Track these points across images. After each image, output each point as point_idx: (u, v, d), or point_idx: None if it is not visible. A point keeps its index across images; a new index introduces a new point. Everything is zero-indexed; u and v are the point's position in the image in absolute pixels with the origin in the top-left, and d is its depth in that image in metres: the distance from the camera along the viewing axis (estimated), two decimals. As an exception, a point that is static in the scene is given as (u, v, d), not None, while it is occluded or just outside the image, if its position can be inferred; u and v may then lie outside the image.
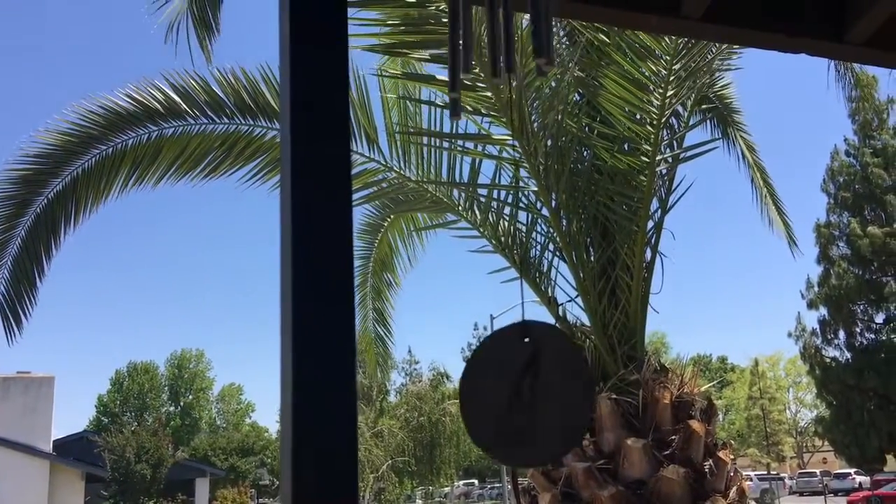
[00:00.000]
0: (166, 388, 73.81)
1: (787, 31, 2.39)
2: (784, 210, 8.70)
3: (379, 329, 9.37)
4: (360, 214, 8.14)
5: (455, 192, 6.75)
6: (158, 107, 5.99)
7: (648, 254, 6.28)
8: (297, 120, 1.04)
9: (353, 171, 6.64)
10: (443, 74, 5.75)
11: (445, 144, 6.55)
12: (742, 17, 2.31)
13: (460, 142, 6.37)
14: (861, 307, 27.68)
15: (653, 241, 6.26)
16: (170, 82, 6.04)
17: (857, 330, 27.83)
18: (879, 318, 27.51)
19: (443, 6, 5.06)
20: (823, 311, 28.30)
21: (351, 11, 5.11)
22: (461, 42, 1.02)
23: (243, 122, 6.18)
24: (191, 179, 6.32)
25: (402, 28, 5.32)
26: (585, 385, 1.56)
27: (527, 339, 1.52)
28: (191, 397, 74.25)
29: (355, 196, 6.87)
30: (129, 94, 6.00)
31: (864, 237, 26.89)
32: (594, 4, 2.21)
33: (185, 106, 6.01)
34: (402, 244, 8.80)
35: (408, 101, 6.43)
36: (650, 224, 6.19)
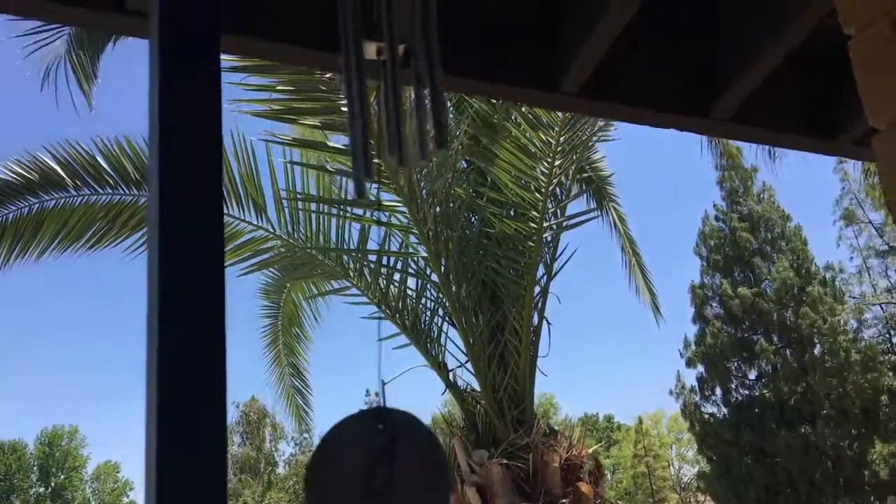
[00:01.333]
0: (35, 468, 69.05)
1: (656, 108, 2.56)
2: (650, 279, 9.11)
3: (296, 382, 9.32)
4: (264, 276, 8.15)
5: (345, 259, 6.76)
6: (39, 178, 5.79)
7: (535, 318, 6.44)
8: (165, 180, 0.98)
9: (242, 239, 6.56)
10: (333, 141, 5.82)
11: (334, 211, 6.58)
12: (614, 94, 2.47)
13: (349, 208, 6.42)
14: (735, 364, 28.93)
15: (539, 305, 6.43)
16: (52, 153, 5.86)
17: (733, 386, 29.02)
18: (752, 375, 28.81)
19: (329, 75, 5.14)
20: (701, 368, 29.41)
21: (240, 77, 5.13)
22: (360, 132, 1.04)
23: (128, 192, 6.04)
24: (75, 251, 6.11)
25: (292, 95, 5.37)
26: (444, 481, 1.51)
27: (381, 426, 1.45)
28: (63, 477, 69.66)
29: (246, 263, 6.78)
30: (8, 166, 5.78)
31: (734, 298, 28.29)
32: (476, 79, 2.32)
33: (67, 177, 5.84)
34: (306, 303, 8.83)
35: (295, 167, 6.45)
36: (537, 289, 6.36)
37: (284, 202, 6.40)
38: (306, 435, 45.30)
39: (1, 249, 6.01)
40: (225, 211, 6.28)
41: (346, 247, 6.53)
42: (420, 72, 1.14)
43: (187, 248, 0.98)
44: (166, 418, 0.91)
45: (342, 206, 6.42)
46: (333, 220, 6.57)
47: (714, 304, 29.03)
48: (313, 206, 6.47)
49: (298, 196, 6.43)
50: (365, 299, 6.74)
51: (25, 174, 5.88)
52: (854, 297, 29.65)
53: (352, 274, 6.74)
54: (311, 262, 6.77)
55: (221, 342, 0.97)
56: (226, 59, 4.48)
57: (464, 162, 6.57)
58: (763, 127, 2.73)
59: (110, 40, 6.01)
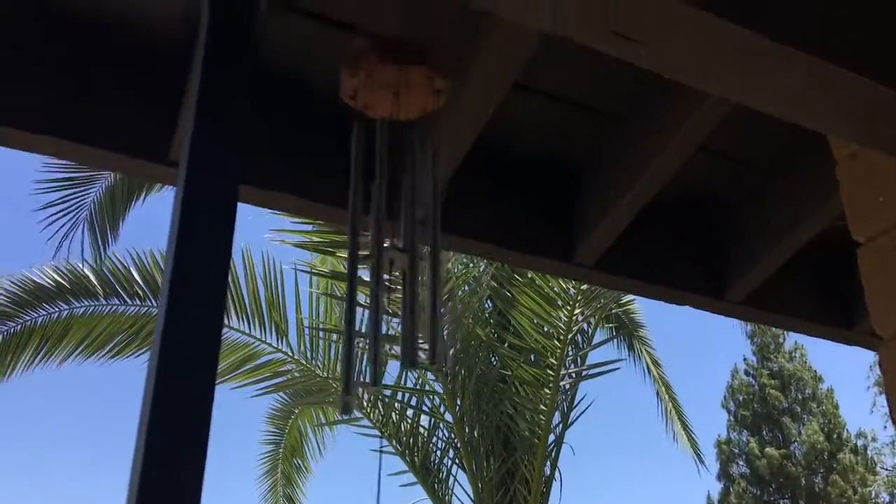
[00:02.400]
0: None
1: (671, 285, 2.59)
2: (689, 425, 8.89)
3: None
4: (272, 400, 8.09)
5: (360, 389, 6.72)
6: (70, 285, 5.94)
7: (548, 468, 6.29)
8: (174, 293, 1.02)
9: (261, 360, 6.59)
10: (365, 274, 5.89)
11: (360, 343, 6.60)
12: (630, 270, 2.51)
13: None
14: (760, 528, 27.68)
15: (553, 455, 6.30)
16: (86, 261, 6.05)
17: (756, 551, 27.68)
18: (777, 541, 27.51)
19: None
20: (724, 530, 28.16)
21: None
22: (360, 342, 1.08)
23: (154, 305, 6.15)
24: (97, 360, 6.20)
25: (328, 228, 5.50)
26: None
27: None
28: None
29: (264, 384, 6.79)
30: (45, 271, 5.97)
31: (762, 458, 27.39)
32: (500, 247, 2.37)
33: (98, 285, 5.98)
34: (312, 432, 8.67)
35: (320, 296, 6.52)
36: (551, 438, 6.25)
37: (306, 329, 6.46)
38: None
39: (27, 352, 6.10)
40: (247, 331, 6.35)
41: (362, 378, 6.51)
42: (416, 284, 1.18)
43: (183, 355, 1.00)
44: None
45: (361, 338, 6.44)
46: (358, 350, 6.58)
47: (740, 463, 28.10)
48: (333, 336, 6.51)
49: (321, 326, 6.48)
50: (375, 432, 6.66)
51: (59, 279, 6.03)
52: (887, 469, 28.51)
53: (365, 405, 6.69)
54: (326, 389, 6.75)
55: (201, 459, 0.97)
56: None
57: (488, 302, 6.61)
58: (778, 312, 2.73)
59: (137, 199, 6.32)
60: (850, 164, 1.97)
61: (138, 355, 6.42)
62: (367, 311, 5.13)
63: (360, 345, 1.29)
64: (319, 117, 1.99)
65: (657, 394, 9.00)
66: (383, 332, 1.27)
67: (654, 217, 2.47)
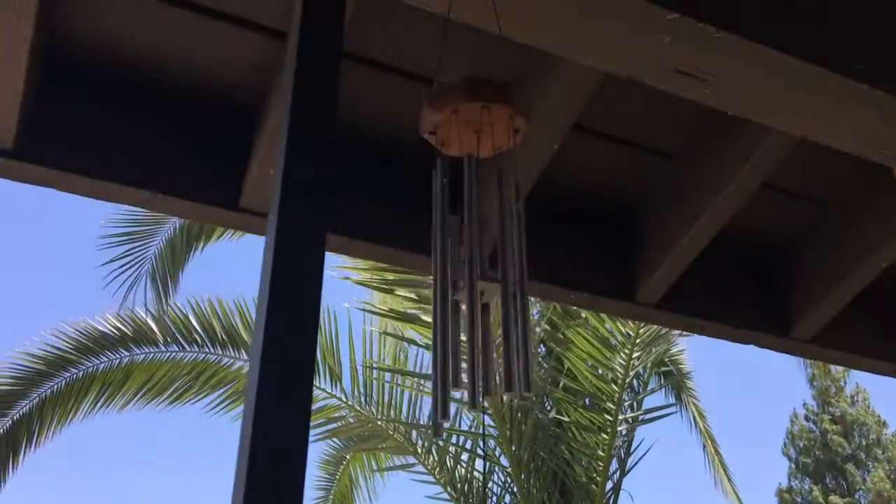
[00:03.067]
0: None
1: (735, 324, 2.56)
2: (733, 480, 8.64)
3: None
4: (325, 445, 8.05)
5: (414, 434, 6.71)
6: (132, 332, 6.09)
7: (607, 515, 6.17)
8: (267, 356, 1.06)
9: (315, 406, 6.62)
10: (421, 313, 5.93)
11: (408, 383, 6.61)
12: (692, 308, 2.49)
13: (424, 382, 6.44)
14: (825, 580, 26.63)
15: (610, 502, 6.18)
16: (147, 309, 6.20)
17: None
18: None
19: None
20: (788, 582, 27.15)
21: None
22: (450, 361, 1.12)
23: (212, 351, 6.26)
24: (157, 405, 6.31)
25: (384, 266, 5.55)
26: None
27: None
28: None
29: (317, 431, 6.80)
30: (107, 318, 6.12)
31: (826, 506, 26.45)
32: (562, 287, 2.38)
33: (158, 332, 6.11)
34: (363, 479, 8.60)
35: (373, 336, 6.55)
36: (609, 485, 6.14)
37: (360, 372, 6.49)
38: None
39: (88, 397, 6.23)
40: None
41: (417, 422, 6.50)
42: (511, 315, 1.20)
43: (277, 416, 1.04)
44: None
45: (418, 380, 6.45)
46: (407, 392, 6.59)
47: (803, 512, 27.17)
48: (387, 377, 6.52)
49: (375, 365, 6.50)
50: (430, 478, 6.61)
51: (121, 327, 6.18)
52: (958, 517, 27.31)
53: (419, 450, 6.66)
54: (380, 435, 6.74)
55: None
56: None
57: (542, 347, 6.57)
58: (845, 350, 2.68)
59: (195, 250, 6.50)
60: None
61: (195, 401, 6.52)
62: (423, 350, 5.09)
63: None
64: (397, 168, 2.06)
65: (703, 447, 8.76)
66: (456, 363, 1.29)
67: (717, 257, 2.46)
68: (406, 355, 6.61)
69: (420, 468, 6.61)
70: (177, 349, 6.19)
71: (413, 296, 6.00)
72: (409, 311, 6.24)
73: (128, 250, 6.34)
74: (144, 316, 6.18)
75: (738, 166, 2.11)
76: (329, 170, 1.15)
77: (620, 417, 6.03)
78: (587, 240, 2.42)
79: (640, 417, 6.31)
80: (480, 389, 1.19)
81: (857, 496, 26.42)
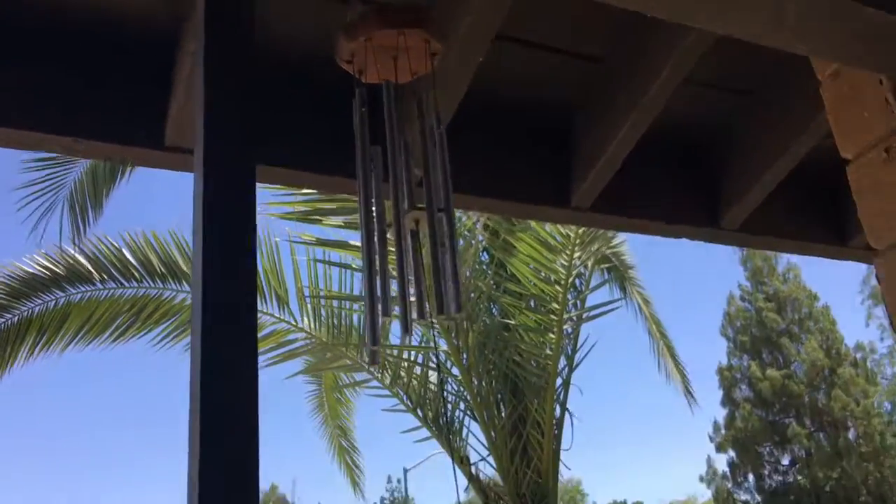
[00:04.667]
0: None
1: (667, 220, 2.63)
2: (680, 362, 9.01)
3: (343, 443, 9.27)
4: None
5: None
6: (66, 273, 5.94)
7: (558, 410, 6.40)
8: (208, 283, 1.09)
9: (265, 332, 6.63)
10: (355, 239, 5.93)
11: (356, 306, 6.66)
12: (626, 209, 2.54)
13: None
14: (767, 449, 28.22)
15: (561, 397, 6.41)
16: (79, 248, 6.03)
17: (766, 472, 28.25)
18: (785, 460, 28.06)
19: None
20: (732, 454, 28.69)
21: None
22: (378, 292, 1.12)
23: (152, 285, 6.17)
24: (98, 345, 6.22)
25: (317, 196, 5.52)
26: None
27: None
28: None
29: (269, 355, 6.84)
30: (36, 259, 5.95)
31: (764, 380, 27.80)
32: (488, 197, 2.40)
33: (94, 271, 5.98)
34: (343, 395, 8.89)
35: (318, 264, 6.55)
36: (559, 381, 6.34)
37: (307, 298, 6.50)
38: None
39: (26, 342, 6.12)
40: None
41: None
42: (438, 239, 1.22)
43: (223, 340, 1.08)
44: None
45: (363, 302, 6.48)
46: (355, 315, 6.64)
47: (743, 387, 28.53)
48: (335, 303, 6.55)
49: (320, 293, 6.52)
50: (387, 392, 6.75)
51: (53, 268, 6.03)
52: (886, 378, 29.00)
53: (373, 369, 6.77)
54: (336, 356, 6.82)
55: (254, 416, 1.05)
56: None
57: (484, 254, 6.65)
58: (772, 235, 2.78)
59: (120, 179, 6.27)
60: (834, 84, 1.99)
61: (139, 337, 6.45)
62: (361, 275, 5.13)
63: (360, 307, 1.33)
64: (318, 93, 2.02)
65: (649, 332, 9.07)
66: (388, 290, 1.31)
67: (646, 155, 2.50)
68: (352, 280, 6.62)
69: (376, 383, 6.74)
70: (115, 286, 6.08)
71: (340, 223, 5.99)
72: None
73: (47, 175, 6.04)
74: (75, 253, 6.03)
75: (661, 65, 2.12)
76: (251, 100, 1.13)
77: (566, 316, 6.19)
78: (519, 151, 2.43)
79: (585, 315, 6.49)
80: (414, 316, 1.21)
81: (792, 367, 27.83)
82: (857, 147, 1.91)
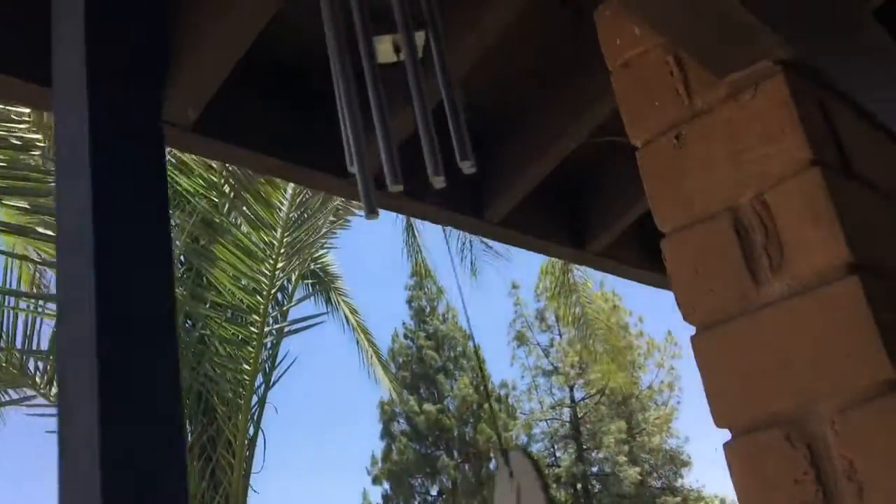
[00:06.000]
0: None
1: (437, 206, 2.60)
2: (390, 368, 9.10)
3: None
4: None
5: (32, 364, 5.93)
6: None
7: (252, 430, 6.09)
8: None
9: None
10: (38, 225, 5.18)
11: (23, 305, 5.82)
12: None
13: (46, 303, 5.69)
14: (419, 480, 29.60)
15: (256, 417, 6.11)
16: None
17: (416, 503, 29.56)
18: (434, 491, 29.63)
19: (38, 153, 4.64)
20: (387, 486, 29.66)
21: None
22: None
23: None
24: None
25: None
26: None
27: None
28: None
29: None
30: None
31: (420, 414, 29.24)
32: (269, 156, 2.18)
33: None
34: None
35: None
36: (255, 399, 6.05)
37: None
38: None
39: None
40: None
41: (37, 349, 5.73)
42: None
43: None
44: None
45: (37, 301, 5.67)
46: (21, 315, 5.77)
47: (401, 421, 29.73)
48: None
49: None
50: (53, 411, 5.91)
51: None
52: (524, 413, 32.01)
53: (39, 381, 5.90)
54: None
55: None
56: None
57: (182, 257, 6.17)
58: (526, 234, 2.87)
59: None
60: (624, 73, 2.10)
61: None
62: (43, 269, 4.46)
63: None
64: None
65: (357, 342, 9.04)
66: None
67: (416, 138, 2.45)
68: (20, 274, 5.76)
69: (41, 401, 5.87)
70: None
71: (26, 205, 5.22)
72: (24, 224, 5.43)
73: None
74: None
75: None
76: None
77: (266, 329, 5.93)
78: (299, 109, 2.26)
79: (287, 329, 6.28)
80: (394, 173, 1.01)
81: (446, 402, 29.62)
82: (648, 134, 2.01)
